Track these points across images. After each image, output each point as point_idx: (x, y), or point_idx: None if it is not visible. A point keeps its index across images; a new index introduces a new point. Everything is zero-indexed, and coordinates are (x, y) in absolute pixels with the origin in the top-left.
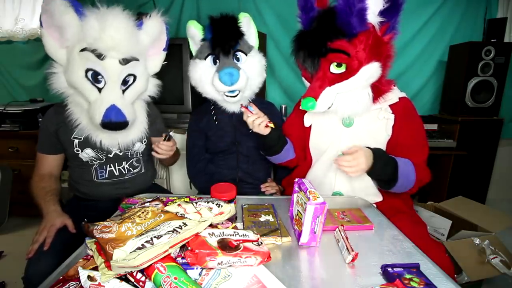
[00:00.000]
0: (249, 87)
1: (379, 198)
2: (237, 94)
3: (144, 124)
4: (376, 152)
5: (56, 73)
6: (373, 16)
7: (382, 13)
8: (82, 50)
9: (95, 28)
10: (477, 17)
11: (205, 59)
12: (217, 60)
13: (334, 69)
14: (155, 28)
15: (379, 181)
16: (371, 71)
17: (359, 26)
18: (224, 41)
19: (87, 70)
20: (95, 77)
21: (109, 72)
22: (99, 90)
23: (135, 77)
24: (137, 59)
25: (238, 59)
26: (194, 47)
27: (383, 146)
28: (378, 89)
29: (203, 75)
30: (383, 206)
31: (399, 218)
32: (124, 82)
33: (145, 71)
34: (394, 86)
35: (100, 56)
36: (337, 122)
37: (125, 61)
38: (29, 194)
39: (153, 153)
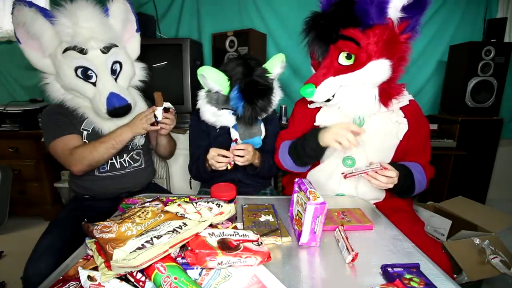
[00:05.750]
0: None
1: (382, 195)
2: None
3: (145, 107)
4: (395, 166)
5: (48, 83)
6: (394, 11)
7: (404, 9)
8: (64, 51)
9: (67, 25)
10: (477, 17)
11: (221, 109)
12: (237, 115)
13: (342, 60)
14: (120, 9)
15: (399, 192)
16: (379, 68)
17: (376, 17)
18: (254, 120)
19: (76, 69)
20: (85, 74)
21: (96, 63)
22: (94, 84)
23: (121, 64)
24: (116, 45)
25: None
26: (206, 87)
27: (392, 150)
28: (387, 93)
29: (220, 122)
30: (383, 205)
31: (398, 216)
32: (113, 71)
33: (128, 56)
34: (404, 88)
35: (82, 51)
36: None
37: (106, 49)
38: (30, 194)
39: (160, 126)
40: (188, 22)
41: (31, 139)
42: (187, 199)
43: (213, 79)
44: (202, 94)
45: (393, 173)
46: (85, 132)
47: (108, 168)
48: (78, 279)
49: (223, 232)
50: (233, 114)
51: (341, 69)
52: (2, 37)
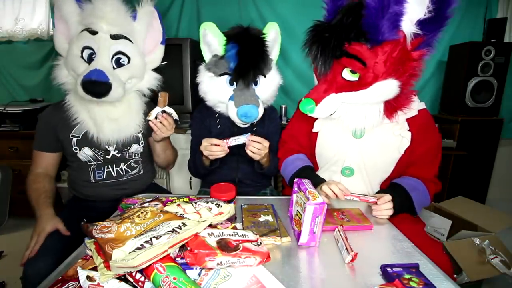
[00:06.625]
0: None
1: None
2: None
3: (140, 117)
4: (390, 193)
5: (59, 64)
6: (408, 24)
7: (420, 23)
8: (81, 32)
9: (88, 7)
10: (477, 17)
11: (219, 76)
12: (234, 83)
13: (347, 74)
14: (146, 12)
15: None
16: (386, 89)
17: (388, 33)
18: (248, 74)
19: (82, 49)
20: (89, 57)
21: (99, 44)
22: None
23: (129, 59)
24: (128, 39)
25: (256, 83)
26: (207, 54)
27: (392, 163)
28: (393, 106)
29: (216, 93)
30: None
31: (398, 217)
32: (119, 64)
33: (140, 56)
34: (415, 96)
35: (93, 33)
36: (347, 132)
37: (115, 37)
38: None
39: (153, 134)
40: (188, 22)
41: (31, 139)
42: (187, 199)
43: (214, 32)
44: (201, 67)
45: (387, 206)
46: (74, 139)
47: (104, 177)
48: (77, 279)
49: (222, 232)
50: (229, 83)
51: (344, 86)
52: (2, 37)
